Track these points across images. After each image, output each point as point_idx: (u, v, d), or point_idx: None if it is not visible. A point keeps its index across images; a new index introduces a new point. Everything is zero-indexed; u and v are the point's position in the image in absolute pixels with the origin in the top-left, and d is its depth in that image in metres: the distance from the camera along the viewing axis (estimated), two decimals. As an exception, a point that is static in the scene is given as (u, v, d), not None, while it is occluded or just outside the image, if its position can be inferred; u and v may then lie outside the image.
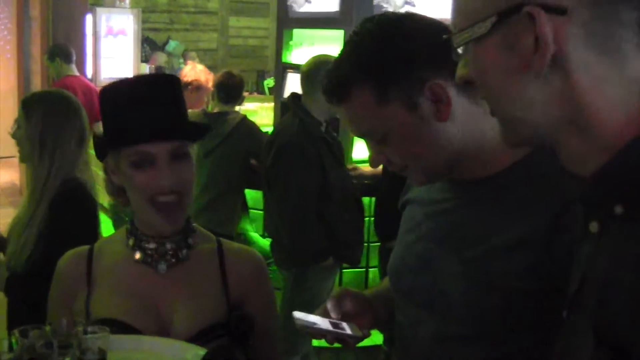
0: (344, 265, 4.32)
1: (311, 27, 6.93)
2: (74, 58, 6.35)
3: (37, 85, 7.69)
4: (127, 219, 5.31)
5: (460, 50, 1.07)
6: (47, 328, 1.54)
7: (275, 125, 4.29)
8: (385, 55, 1.44)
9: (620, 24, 0.92)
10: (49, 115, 2.77)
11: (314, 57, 4.21)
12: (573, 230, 1.24)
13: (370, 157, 1.53)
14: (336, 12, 6.42)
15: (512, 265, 1.40)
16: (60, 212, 2.69)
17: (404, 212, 1.73)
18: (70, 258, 1.93)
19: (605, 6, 0.92)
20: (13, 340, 1.48)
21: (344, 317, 1.64)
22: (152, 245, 1.81)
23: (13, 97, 9.58)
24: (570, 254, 1.20)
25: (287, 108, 4.23)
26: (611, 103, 0.94)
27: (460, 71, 1.10)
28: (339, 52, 1.52)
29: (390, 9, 6.49)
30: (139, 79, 1.94)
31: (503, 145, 1.34)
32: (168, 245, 1.82)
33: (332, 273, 4.02)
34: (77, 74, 6.44)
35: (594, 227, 0.99)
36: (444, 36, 1.11)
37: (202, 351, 1.63)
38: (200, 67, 5.27)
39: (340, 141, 4.32)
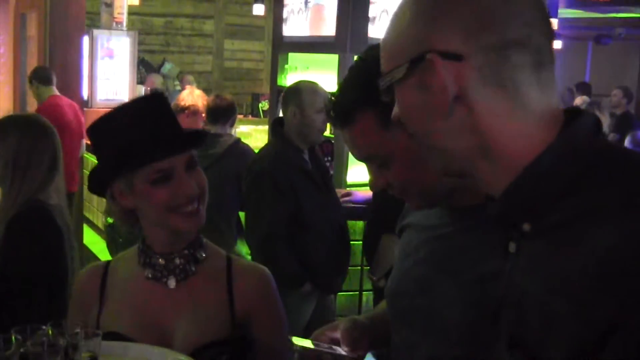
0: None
1: (306, 51, 6.99)
2: (54, 79, 6.36)
3: (33, 105, 7.72)
4: (120, 240, 5.31)
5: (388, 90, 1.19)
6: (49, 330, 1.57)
7: (259, 150, 4.30)
8: None
9: (513, 67, 1.06)
10: (23, 138, 2.80)
11: (297, 82, 4.20)
12: None
13: (370, 180, 1.56)
14: (332, 37, 6.48)
15: None
16: (13, 233, 2.72)
17: (402, 237, 1.75)
18: (87, 273, 2.00)
19: (497, 52, 1.06)
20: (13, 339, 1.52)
21: (335, 342, 1.68)
22: (161, 261, 1.85)
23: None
24: None
25: (274, 133, 4.18)
26: (511, 132, 1.07)
27: (394, 110, 1.21)
28: (344, 78, 1.55)
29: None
30: (129, 104, 1.95)
31: None
32: (177, 261, 1.85)
33: (310, 299, 3.97)
34: (58, 93, 6.47)
35: (512, 247, 1.11)
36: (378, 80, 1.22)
37: (184, 357, 1.68)
38: (197, 92, 5.30)
39: (326, 167, 4.31)
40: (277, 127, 4.01)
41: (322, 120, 3.85)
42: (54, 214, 2.80)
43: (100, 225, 7.38)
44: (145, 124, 1.80)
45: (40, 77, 6.40)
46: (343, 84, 1.55)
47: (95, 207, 7.19)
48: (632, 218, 0.95)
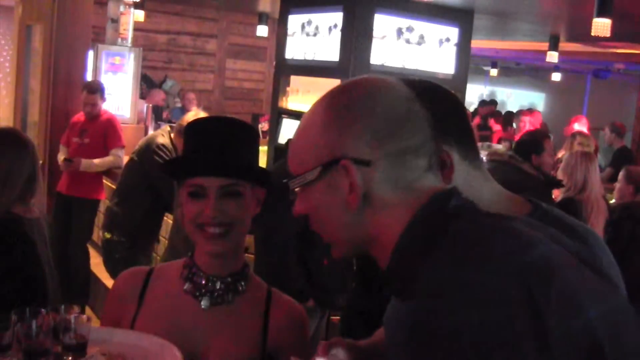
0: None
1: (308, 74, 7.05)
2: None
3: (34, 116, 7.75)
4: (117, 256, 5.30)
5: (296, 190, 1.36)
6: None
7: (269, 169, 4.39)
8: None
9: (410, 169, 1.27)
10: (1, 152, 2.87)
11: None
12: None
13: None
14: (334, 61, 6.55)
15: None
16: None
17: None
18: (129, 274, 2.05)
19: (398, 158, 1.26)
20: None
21: None
22: (202, 281, 1.90)
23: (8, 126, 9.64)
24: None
25: (282, 153, 4.30)
26: (393, 220, 1.27)
27: (297, 207, 1.38)
28: None
29: (392, 63, 6.62)
30: (219, 119, 2.02)
31: (500, 209, 1.49)
32: (218, 285, 1.90)
33: (312, 316, 4.04)
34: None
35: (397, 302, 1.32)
36: (284, 181, 1.39)
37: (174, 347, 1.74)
38: (202, 114, 5.37)
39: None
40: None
41: None
42: (28, 227, 2.84)
43: (96, 239, 7.40)
44: (209, 142, 1.88)
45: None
46: None
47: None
48: (421, 302, 1.17)
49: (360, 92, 1.31)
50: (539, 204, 1.58)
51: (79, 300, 6.37)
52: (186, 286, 1.91)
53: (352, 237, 1.32)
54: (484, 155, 4.50)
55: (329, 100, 1.32)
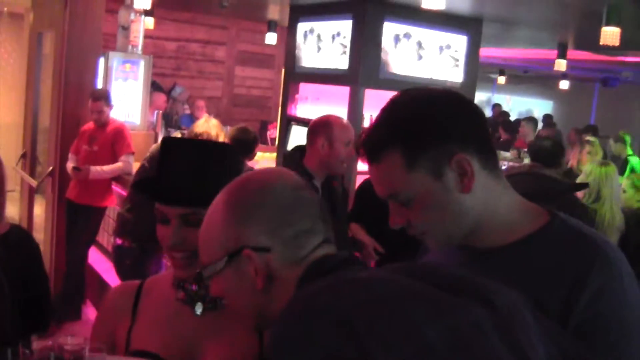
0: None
1: (318, 82, 7.08)
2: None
3: (45, 122, 7.78)
4: (128, 262, 5.32)
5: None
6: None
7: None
8: (418, 126, 1.54)
9: (305, 248, 1.42)
10: None
11: (326, 115, 4.33)
12: (587, 302, 1.43)
13: (391, 218, 1.62)
14: (344, 69, 6.57)
15: None
16: None
17: None
18: (121, 290, 2.06)
19: (292, 241, 1.41)
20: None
21: None
22: (194, 287, 1.90)
23: (17, 132, 9.70)
24: (584, 325, 1.41)
25: (288, 160, 4.35)
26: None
27: (213, 290, 1.50)
28: (376, 116, 1.62)
29: (402, 71, 6.64)
30: (195, 143, 2.00)
31: (518, 219, 1.50)
32: (209, 290, 1.90)
33: None
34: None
35: None
36: (197, 271, 1.49)
37: None
38: (214, 122, 5.39)
39: (340, 198, 4.42)
40: (295, 154, 4.22)
41: (347, 152, 4.06)
42: None
43: (105, 245, 7.43)
44: (176, 167, 1.85)
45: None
46: (375, 123, 1.61)
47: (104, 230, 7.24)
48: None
49: (252, 187, 1.46)
50: (557, 214, 1.60)
51: (73, 304, 6.43)
52: (178, 294, 1.92)
53: (264, 314, 1.44)
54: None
55: (227, 198, 1.46)
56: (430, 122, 1.55)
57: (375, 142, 1.58)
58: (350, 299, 1.20)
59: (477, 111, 1.62)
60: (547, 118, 14.75)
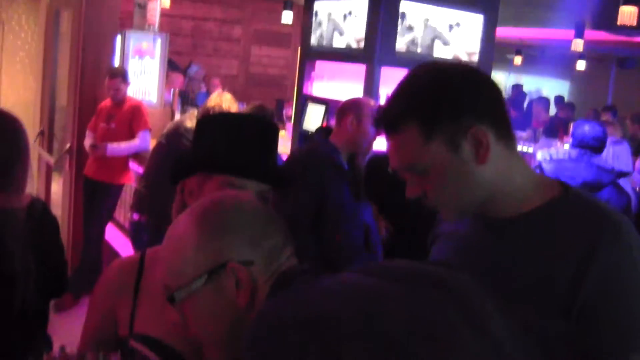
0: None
1: (334, 60, 7.07)
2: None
3: (62, 101, 7.83)
4: (145, 238, 5.36)
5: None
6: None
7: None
8: (436, 99, 1.57)
9: (281, 259, 1.44)
10: None
11: (355, 97, 4.43)
12: (596, 277, 1.46)
13: (407, 189, 1.65)
14: (360, 48, 6.57)
15: (531, 297, 1.53)
16: None
17: (433, 247, 1.85)
18: (121, 266, 2.00)
19: (271, 253, 1.43)
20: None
21: None
22: None
23: (34, 110, 9.75)
24: (596, 294, 1.43)
25: (306, 138, 4.42)
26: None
27: (176, 320, 1.49)
28: (394, 88, 1.65)
29: (418, 49, 6.64)
30: (250, 116, 2.04)
31: (531, 190, 1.53)
32: None
33: None
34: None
35: None
36: (168, 296, 1.46)
37: None
38: (227, 96, 5.40)
39: (362, 177, 4.48)
40: (320, 133, 4.31)
41: (374, 132, 4.13)
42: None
43: (122, 221, 7.49)
44: (253, 142, 1.86)
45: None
46: (393, 95, 1.64)
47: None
48: None
49: (227, 203, 1.47)
50: (570, 187, 1.63)
51: (90, 279, 6.50)
52: None
53: (239, 335, 1.39)
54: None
55: (200, 217, 1.44)
56: (447, 94, 1.57)
57: (393, 113, 1.61)
58: (311, 304, 1.24)
59: (493, 84, 1.64)
60: (559, 100, 14.65)
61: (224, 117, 1.97)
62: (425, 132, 1.55)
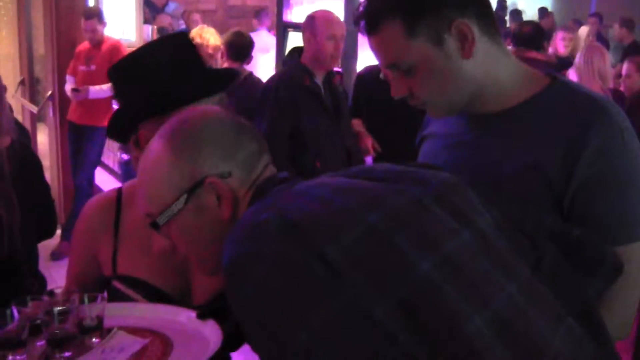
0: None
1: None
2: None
3: (39, 51, 7.72)
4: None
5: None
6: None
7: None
8: None
9: (258, 167, 1.43)
10: None
11: (314, 11, 4.35)
12: (588, 160, 1.44)
13: (392, 88, 1.62)
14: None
15: (522, 188, 1.51)
16: None
17: (422, 147, 1.83)
18: (98, 203, 1.93)
19: (246, 162, 1.42)
20: (8, 313, 1.53)
21: None
22: None
23: (13, 62, 9.62)
24: (586, 183, 1.44)
25: (290, 59, 4.38)
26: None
27: (161, 244, 1.50)
28: None
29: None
30: (155, 45, 1.88)
31: (519, 83, 1.50)
32: None
33: None
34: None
35: None
36: (149, 223, 1.45)
37: (193, 313, 1.65)
38: (208, 30, 5.38)
39: (343, 96, 4.42)
40: (294, 54, 4.27)
41: (333, 46, 4.04)
42: None
43: (111, 165, 7.46)
44: (176, 64, 1.76)
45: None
46: None
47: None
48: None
49: (195, 121, 1.44)
50: (557, 77, 1.61)
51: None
52: None
53: (215, 248, 1.39)
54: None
55: (169, 139, 1.42)
56: None
57: (374, 11, 1.57)
58: (291, 206, 1.23)
59: None
60: (543, 11, 14.47)
61: (142, 54, 1.83)
62: (408, 27, 1.52)
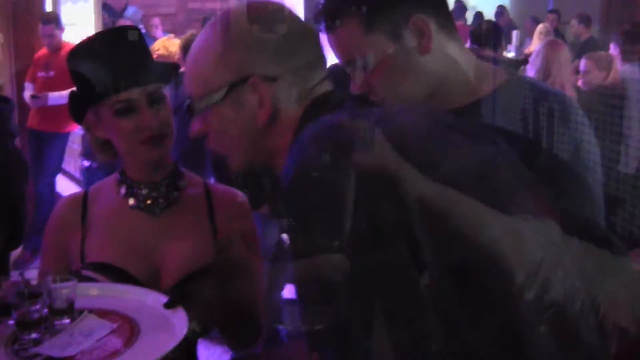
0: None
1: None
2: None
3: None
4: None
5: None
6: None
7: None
8: None
9: (310, 80, 1.38)
10: None
11: None
12: (546, 152, 1.50)
13: (352, 85, 1.64)
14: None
15: None
16: None
17: None
18: (66, 202, 2.00)
19: (299, 72, 1.36)
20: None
21: None
22: (144, 191, 1.88)
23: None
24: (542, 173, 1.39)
25: None
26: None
27: (197, 127, 1.44)
28: None
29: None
30: (104, 33, 2.02)
31: (476, 79, 1.53)
32: (160, 189, 1.89)
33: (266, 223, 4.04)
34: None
35: None
36: (186, 104, 1.43)
37: (163, 297, 1.68)
38: (175, 41, 5.38)
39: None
40: None
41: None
42: None
43: (72, 171, 7.38)
44: (113, 53, 1.82)
45: None
46: None
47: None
48: None
49: (261, 12, 1.39)
50: (514, 73, 1.64)
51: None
52: (131, 202, 1.89)
53: (255, 150, 1.40)
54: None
55: (229, 23, 1.39)
56: None
57: (333, 8, 1.60)
58: (375, 123, 1.23)
59: None
60: (500, 8, 14.54)
61: (77, 49, 1.92)
62: (366, 23, 1.55)
